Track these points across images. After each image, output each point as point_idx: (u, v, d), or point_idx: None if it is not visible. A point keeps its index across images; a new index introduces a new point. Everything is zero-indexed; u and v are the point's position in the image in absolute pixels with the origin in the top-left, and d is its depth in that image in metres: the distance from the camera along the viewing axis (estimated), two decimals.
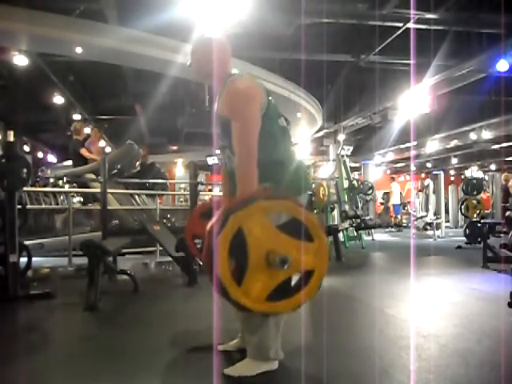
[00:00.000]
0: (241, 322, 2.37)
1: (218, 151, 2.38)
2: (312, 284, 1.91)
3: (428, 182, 15.97)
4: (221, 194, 2.51)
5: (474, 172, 18.94)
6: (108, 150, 14.37)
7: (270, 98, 2.27)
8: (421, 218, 14.94)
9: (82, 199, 7.67)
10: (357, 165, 17.95)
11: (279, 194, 2.01)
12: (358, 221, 8.63)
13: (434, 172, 16.27)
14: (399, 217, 16.94)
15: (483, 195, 13.21)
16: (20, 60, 8.09)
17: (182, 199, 13.90)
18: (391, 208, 17.45)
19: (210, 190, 12.21)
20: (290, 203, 1.90)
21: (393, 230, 15.08)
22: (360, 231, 9.21)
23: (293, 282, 2.00)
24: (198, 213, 2.98)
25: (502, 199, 12.61)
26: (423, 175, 23.87)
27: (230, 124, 2.13)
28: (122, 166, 7.58)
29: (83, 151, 7.20)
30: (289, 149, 2.32)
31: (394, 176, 21.32)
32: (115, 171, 7.25)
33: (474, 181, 9.49)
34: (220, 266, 1.75)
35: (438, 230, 11.72)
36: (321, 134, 14.97)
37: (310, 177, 2.60)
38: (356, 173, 16.92)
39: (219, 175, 2.46)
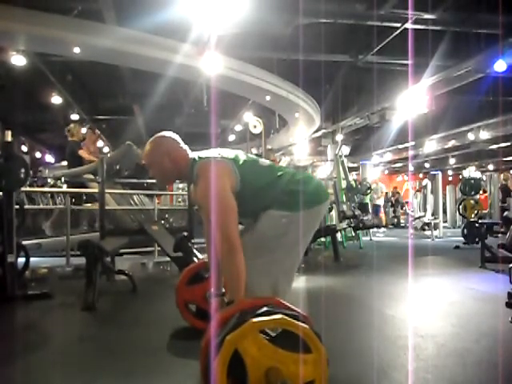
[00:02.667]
0: None
1: None
2: None
3: (426, 182, 15.98)
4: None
5: (471, 172, 18.97)
6: (106, 150, 14.40)
7: (241, 164, 2.25)
8: (419, 218, 14.95)
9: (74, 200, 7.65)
10: (355, 165, 17.97)
11: (268, 305, 1.97)
12: (356, 221, 8.64)
13: (432, 172, 16.30)
14: (381, 216, 16.76)
15: (481, 195, 13.23)
16: (18, 60, 8.08)
17: (180, 199, 13.88)
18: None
19: None
20: (284, 319, 1.90)
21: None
22: (358, 231, 9.22)
23: None
24: (185, 279, 3.03)
25: (500, 199, 12.65)
26: (421, 175, 23.91)
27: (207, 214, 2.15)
28: (120, 167, 7.57)
29: (82, 152, 7.18)
30: (286, 174, 2.34)
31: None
32: (114, 172, 7.24)
33: (472, 181, 9.50)
34: None
35: (435, 230, 11.73)
36: (319, 134, 14.99)
37: (322, 186, 2.58)
38: (354, 173, 16.92)
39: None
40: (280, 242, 2.23)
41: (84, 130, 8.58)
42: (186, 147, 2.36)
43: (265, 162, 2.44)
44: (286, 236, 2.22)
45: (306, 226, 2.25)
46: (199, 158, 2.25)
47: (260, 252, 2.19)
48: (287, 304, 2.02)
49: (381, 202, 16.45)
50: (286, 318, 1.89)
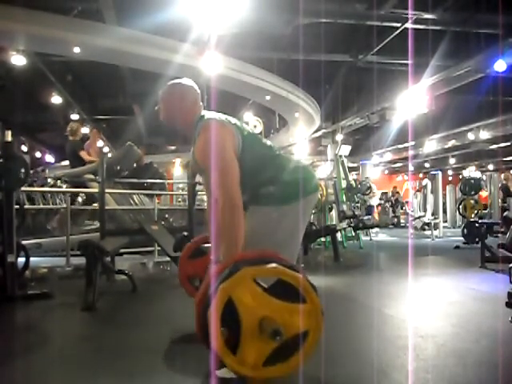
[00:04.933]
0: None
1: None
2: (308, 345, 1.90)
3: (426, 181, 15.96)
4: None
5: (471, 172, 18.97)
6: (106, 150, 14.39)
7: (244, 130, 2.26)
8: (419, 218, 14.94)
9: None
10: (355, 165, 17.98)
11: (265, 257, 1.98)
12: (356, 221, 8.64)
13: (432, 172, 16.29)
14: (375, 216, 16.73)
15: (481, 194, 13.22)
16: (18, 60, 8.08)
17: (180, 199, 13.90)
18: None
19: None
20: (278, 267, 1.89)
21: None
22: (358, 231, 9.22)
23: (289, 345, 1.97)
24: (187, 254, 2.99)
25: (501, 199, 12.63)
26: (421, 175, 23.91)
27: (208, 174, 2.15)
28: (121, 167, 7.57)
29: (82, 154, 7.18)
30: (281, 158, 2.35)
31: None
32: (114, 172, 7.24)
33: (472, 181, 9.50)
34: (214, 337, 1.76)
35: (435, 229, 11.73)
36: (319, 133, 14.99)
37: (312, 175, 2.56)
38: (354, 173, 16.93)
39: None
40: (274, 238, 2.21)
41: (84, 130, 8.58)
42: (201, 105, 2.37)
43: (267, 141, 2.43)
44: (279, 231, 2.21)
45: (297, 217, 2.23)
46: (206, 117, 2.25)
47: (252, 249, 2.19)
48: (283, 257, 2.00)
49: (374, 202, 16.46)
50: (281, 267, 1.88)
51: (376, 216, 16.49)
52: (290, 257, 2.25)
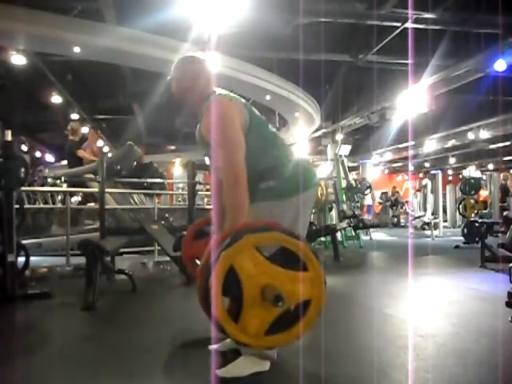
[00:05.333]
0: None
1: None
2: (310, 314, 1.89)
3: (426, 181, 15.96)
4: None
5: (471, 171, 18.96)
6: (106, 149, 14.39)
7: (252, 111, 2.27)
8: (419, 217, 14.94)
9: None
10: (355, 164, 17.98)
11: (268, 225, 1.97)
12: (356, 220, 8.64)
13: (432, 171, 16.29)
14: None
15: (481, 193, 13.21)
16: (18, 59, 8.08)
17: (180, 199, 13.88)
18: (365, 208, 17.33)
19: (208, 190, 12.21)
20: (280, 234, 1.87)
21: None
22: (358, 231, 9.22)
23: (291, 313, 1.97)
24: (191, 234, 2.99)
25: (499, 199, 12.63)
26: (421, 175, 23.91)
27: (214, 149, 2.15)
28: (121, 167, 7.57)
29: (80, 153, 7.19)
30: (286, 149, 2.34)
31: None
32: (114, 172, 7.24)
33: (472, 180, 9.50)
34: (215, 304, 1.75)
35: (435, 229, 11.73)
36: (319, 133, 15.00)
37: (312, 171, 2.55)
38: (354, 172, 16.92)
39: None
40: None
41: (84, 130, 8.57)
42: (211, 81, 2.38)
43: (273, 128, 2.42)
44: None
45: (297, 210, 2.20)
46: (215, 93, 2.26)
47: None
48: (285, 227, 1.99)
49: (367, 201, 16.45)
50: (283, 234, 1.86)
51: (371, 217, 16.51)
52: None
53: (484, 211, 10.93)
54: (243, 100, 2.31)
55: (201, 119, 2.28)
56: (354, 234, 9.46)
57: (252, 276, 1.79)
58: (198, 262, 2.95)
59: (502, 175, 13.17)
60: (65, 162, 9.38)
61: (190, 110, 2.41)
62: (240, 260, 1.78)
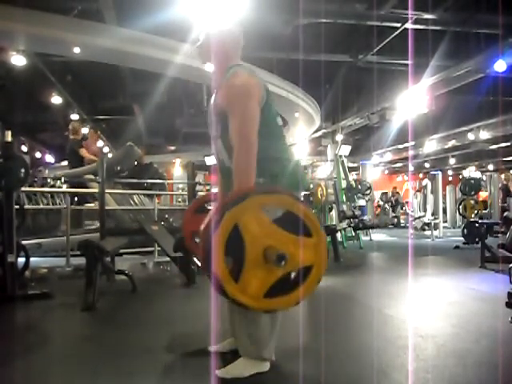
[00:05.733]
0: (235, 320, 2.35)
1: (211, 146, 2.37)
2: (310, 280, 1.88)
3: (426, 182, 15.97)
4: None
5: (471, 172, 18.96)
6: (106, 150, 14.39)
7: (269, 96, 2.25)
8: (419, 218, 14.95)
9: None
10: (355, 165, 17.98)
11: (276, 188, 1.98)
12: (356, 221, 8.64)
13: (432, 172, 16.30)
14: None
15: (481, 194, 13.22)
16: (18, 60, 8.08)
17: (180, 199, 13.89)
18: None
19: (208, 191, 12.21)
20: (287, 197, 1.87)
21: None
22: (358, 231, 9.22)
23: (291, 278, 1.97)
24: (194, 208, 2.95)
25: (501, 199, 12.64)
26: (421, 175, 23.91)
27: (228, 117, 2.14)
28: (121, 168, 7.58)
29: (83, 151, 7.18)
30: (285, 146, 2.34)
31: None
32: (114, 172, 7.25)
33: (472, 181, 9.50)
34: (216, 263, 1.74)
35: (435, 230, 11.73)
36: (319, 134, 15.00)
37: (306, 176, 2.56)
38: (354, 173, 16.93)
39: (216, 175, 2.44)
40: None
41: (85, 130, 8.58)
42: (239, 54, 2.36)
43: (280, 122, 2.40)
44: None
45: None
46: (240, 65, 2.27)
47: None
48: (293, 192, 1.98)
49: (361, 202, 16.45)
50: (291, 197, 1.86)
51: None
52: None
53: (484, 211, 10.93)
54: (264, 83, 2.29)
55: (218, 89, 2.28)
56: (354, 234, 9.47)
57: (256, 236, 1.79)
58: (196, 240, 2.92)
59: (503, 175, 13.18)
60: (65, 163, 9.39)
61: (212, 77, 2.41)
62: (245, 220, 1.78)
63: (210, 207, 2.89)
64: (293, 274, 1.88)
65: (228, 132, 2.14)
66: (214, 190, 2.48)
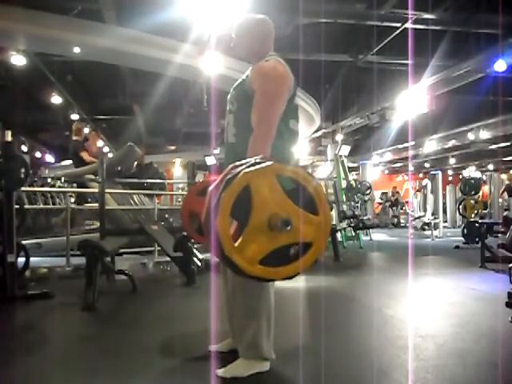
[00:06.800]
0: (233, 321, 2.34)
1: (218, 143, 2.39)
2: (308, 257, 1.87)
3: (426, 181, 15.99)
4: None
5: (471, 172, 18.97)
6: (106, 149, 14.39)
7: (296, 91, 2.35)
8: (419, 218, 14.95)
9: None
10: (355, 165, 17.97)
11: (291, 163, 2.01)
12: (356, 221, 8.64)
13: (432, 172, 16.31)
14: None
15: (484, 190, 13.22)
16: (18, 60, 8.07)
17: (180, 199, 13.89)
18: None
19: None
20: (302, 172, 1.89)
21: None
22: (358, 231, 9.22)
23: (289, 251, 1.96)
24: (197, 190, 2.89)
25: (505, 199, 12.63)
26: (421, 175, 23.91)
27: (251, 94, 2.16)
28: (122, 168, 7.58)
29: (84, 154, 7.18)
30: (288, 148, 2.33)
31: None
32: (115, 172, 7.24)
33: (472, 181, 9.50)
34: (221, 219, 1.73)
35: (435, 229, 11.74)
36: (319, 134, 14.98)
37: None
38: (354, 173, 16.93)
39: (217, 175, 2.43)
40: None
41: (87, 130, 8.58)
42: (271, 45, 2.40)
43: (297, 121, 2.41)
44: None
45: None
46: (275, 56, 2.30)
47: None
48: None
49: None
50: (305, 173, 1.90)
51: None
52: None
53: (484, 211, 10.94)
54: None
55: (251, 70, 2.31)
56: (353, 234, 9.47)
57: (265, 201, 1.79)
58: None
59: (506, 176, 13.19)
60: (65, 163, 9.39)
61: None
62: (258, 182, 1.78)
63: None
64: (291, 248, 1.88)
65: (243, 110, 2.17)
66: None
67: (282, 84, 2.19)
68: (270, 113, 2.11)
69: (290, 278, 1.89)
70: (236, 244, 1.76)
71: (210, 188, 1.86)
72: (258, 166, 1.78)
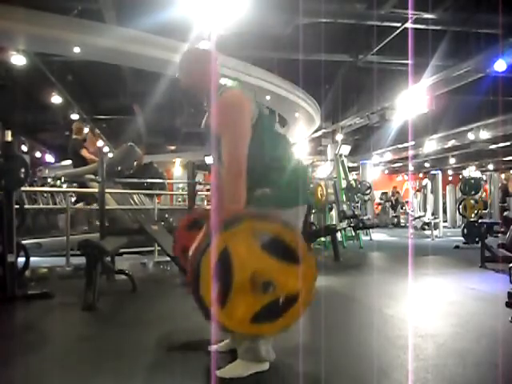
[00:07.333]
0: None
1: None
2: (297, 308, 1.89)
3: (426, 181, 15.98)
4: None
5: (471, 172, 18.96)
6: (106, 149, 14.39)
7: (262, 109, 2.27)
8: (419, 217, 14.95)
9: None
10: (355, 165, 17.98)
11: (267, 215, 1.97)
12: (356, 221, 8.64)
13: (432, 172, 16.30)
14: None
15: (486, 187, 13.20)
16: (18, 60, 8.08)
17: (180, 199, 13.88)
18: None
19: (208, 190, 12.21)
20: (278, 225, 1.87)
21: None
22: (358, 231, 9.22)
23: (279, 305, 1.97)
24: (185, 224, 2.92)
25: (500, 199, 12.64)
26: (421, 175, 23.91)
27: (220, 139, 2.15)
28: (122, 168, 7.58)
29: (84, 152, 7.18)
30: (286, 153, 2.33)
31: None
32: (115, 172, 7.24)
33: (472, 181, 9.50)
34: (203, 286, 1.74)
35: (435, 229, 11.73)
36: (319, 133, 15.00)
37: (308, 177, 2.55)
38: (354, 173, 16.93)
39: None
40: None
41: (86, 130, 8.57)
42: (219, 71, 2.34)
43: (279, 128, 2.43)
44: None
45: (297, 222, 2.19)
46: (226, 85, 2.27)
47: None
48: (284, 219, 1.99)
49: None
50: (281, 224, 1.87)
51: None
52: None
53: (484, 211, 10.93)
54: (255, 98, 2.30)
55: (211, 109, 2.29)
56: (353, 234, 9.47)
57: (244, 261, 1.80)
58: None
59: (503, 175, 13.19)
60: (65, 163, 9.37)
61: (199, 99, 2.41)
62: (235, 243, 1.79)
63: (202, 223, 2.88)
64: (280, 301, 1.89)
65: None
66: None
67: (239, 117, 2.13)
68: (237, 155, 2.08)
69: (283, 331, 1.92)
70: (224, 308, 1.77)
71: (191, 250, 1.88)
72: (233, 227, 1.79)
